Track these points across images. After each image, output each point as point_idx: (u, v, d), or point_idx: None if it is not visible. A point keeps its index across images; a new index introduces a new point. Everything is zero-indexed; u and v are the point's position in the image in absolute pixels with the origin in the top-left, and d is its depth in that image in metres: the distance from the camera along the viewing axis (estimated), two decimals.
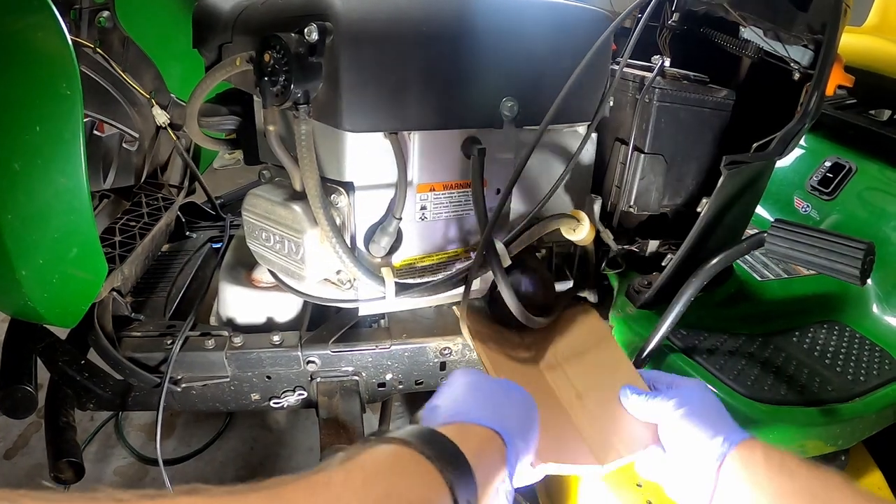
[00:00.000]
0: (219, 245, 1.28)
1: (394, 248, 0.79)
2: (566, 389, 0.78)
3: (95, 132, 1.14)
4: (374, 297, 0.80)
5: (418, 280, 0.81)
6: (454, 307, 0.92)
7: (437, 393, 0.59)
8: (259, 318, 0.96)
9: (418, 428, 0.47)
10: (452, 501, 0.41)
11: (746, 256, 1.09)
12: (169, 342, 0.90)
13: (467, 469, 0.44)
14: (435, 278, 0.81)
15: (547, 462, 0.61)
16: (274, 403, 0.93)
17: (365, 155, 0.73)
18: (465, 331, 0.82)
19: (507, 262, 0.79)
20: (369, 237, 0.77)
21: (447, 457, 0.43)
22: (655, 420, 0.66)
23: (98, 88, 1.11)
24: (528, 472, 0.59)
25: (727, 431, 0.60)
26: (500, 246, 0.79)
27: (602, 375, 0.77)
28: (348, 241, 0.76)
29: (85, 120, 0.73)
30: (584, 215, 0.86)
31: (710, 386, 0.80)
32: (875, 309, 1.03)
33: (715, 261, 0.80)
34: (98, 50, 1.13)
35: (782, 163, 1.07)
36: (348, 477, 0.39)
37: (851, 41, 1.34)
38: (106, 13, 1.16)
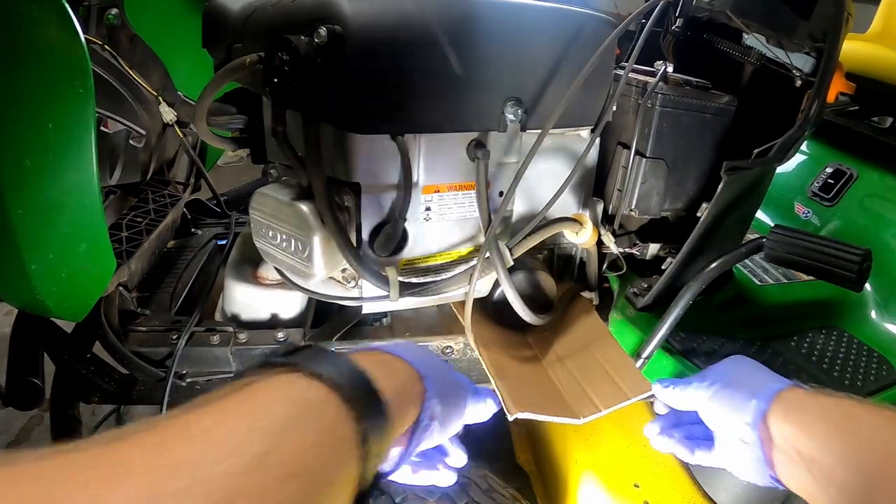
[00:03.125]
0: (224, 242, 1.29)
1: (398, 249, 0.80)
2: (569, 382, 0.80)
3: (102, 129, 1.15)
4: (378, 296, 0.81)
5: (422, 280, 0.82)
6: (455, 307, 0.93)
7: None
8: (264, 315, 0.97)
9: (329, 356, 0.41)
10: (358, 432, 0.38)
11: (746, 261, 1.10)
12: (174, 337, 0.91)
13: (378, 401, 0.41)
14: (438, 278, 0.82)
15: (535, 413, 0.67)
16: None
17: (371, 156, 0.74)
18: (468, 333, 0.83)
19: (509, 262, 0.81)
20: (374, 237, 0.78)
21: (354, 387, 0.40)
22: (693, 407, 0.61)
23: (106, 85, 1.12)
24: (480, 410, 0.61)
25: (758, 389, 0.53)
26: (502, 247, 0.80)
27: (601, 367, 0.80)
28: (354, 241, 0.77)
29: None
30: (587, 219, 0.88)
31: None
32: (874, 315, 1.04)
33: (714, 265, 0.82)
34: (106, 47, 1.13)
35: (784, 168, 1.08)
36: (224, 419, 0.33)
37: (855, 48, 1.35)
38: (115, 10, 1.17)
